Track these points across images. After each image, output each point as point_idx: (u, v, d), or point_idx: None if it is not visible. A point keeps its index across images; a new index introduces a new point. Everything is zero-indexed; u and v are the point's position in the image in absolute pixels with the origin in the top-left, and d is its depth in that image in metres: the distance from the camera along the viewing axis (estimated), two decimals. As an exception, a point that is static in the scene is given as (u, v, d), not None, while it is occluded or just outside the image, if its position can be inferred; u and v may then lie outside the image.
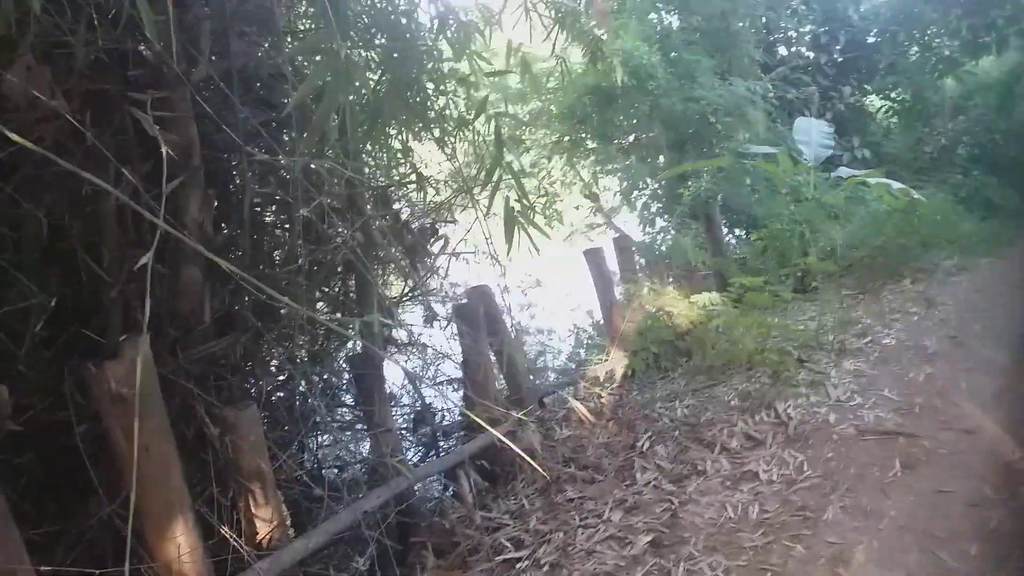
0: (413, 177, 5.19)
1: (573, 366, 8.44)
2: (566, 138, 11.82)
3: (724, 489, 4.33)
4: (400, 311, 5.53)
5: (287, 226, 4.21)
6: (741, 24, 12.60)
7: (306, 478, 3.80)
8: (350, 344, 4.69)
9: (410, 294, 5.31)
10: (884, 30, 14.35)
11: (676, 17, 12.90)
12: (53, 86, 2.85)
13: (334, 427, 4.79)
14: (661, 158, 12.42)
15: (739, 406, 5.40)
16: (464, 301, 5.55)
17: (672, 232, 11.27)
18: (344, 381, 4.99)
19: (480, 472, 4.95)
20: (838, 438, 4.60)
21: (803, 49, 14.70)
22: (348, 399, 5.10)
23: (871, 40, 14.55)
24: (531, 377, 6.16)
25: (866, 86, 14.65)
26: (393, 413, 5.30)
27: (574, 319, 10.24)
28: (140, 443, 2.94)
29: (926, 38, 14.14)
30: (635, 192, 12.96)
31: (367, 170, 4.75)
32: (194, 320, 3.77)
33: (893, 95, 14.89)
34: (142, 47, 3.43)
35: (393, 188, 5.05)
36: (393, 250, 4.80)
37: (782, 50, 14.68)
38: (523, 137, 13.29)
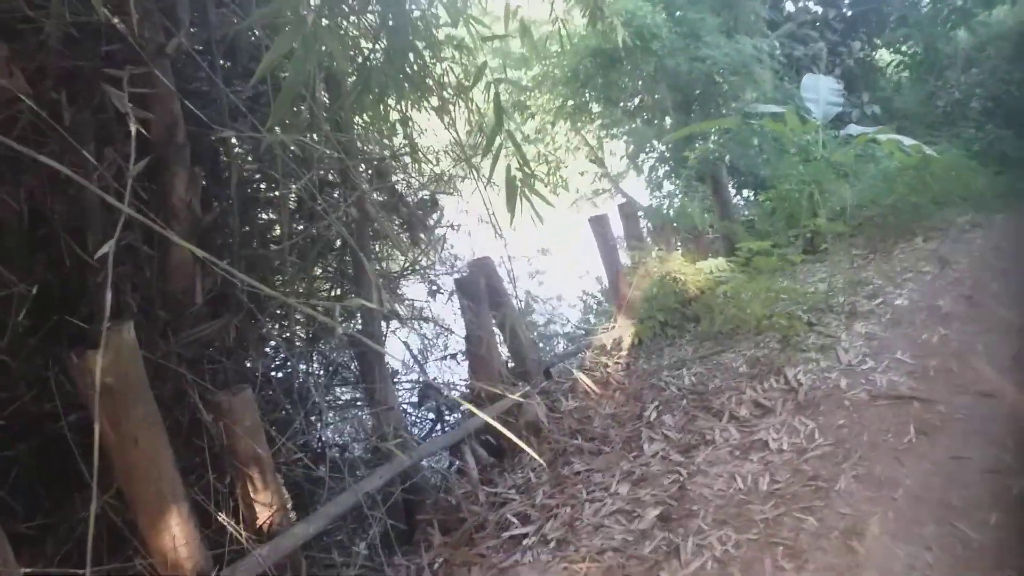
0: (409, 148, 5.06)
1: (582, 333, 8.34)
2: (570, 102, 11.61)
3: (733, 459, 4.24)
4: (402, 285, 5.42)
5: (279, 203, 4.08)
6: (746, -21, 12.31)
7: (307, 460, 3.71)
8: (350, 322, 4.59)
9: (410, 268, 5.19)
10: (894, -19, 14.00)
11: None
12: (11, 65, 2.72)
13: (335, 406, 4.70)
14: (668, 120, 12.25)
15: (748, 373, 5.29)
16: (466, 274, 5.44)
17: (679, 196, 11.11)
18: (346, 358, 4.89)
19: (486, 446, 4.88)
20: (850, 404, 4.49)
21: (810, 4, 14.37)
22: (350, 376, 5.00)
23: (881, -8, 14.20)
24: (538, 347, 6.05)
25: (876, 40, 14.30)
26: (397, 388, 5.23)
27: (582, 286, 10.12)
28: (128, 434, 2.86)
29: (938, -12, 13.77)
30: (641, 155, 12.79)
31: (362, 143, 4.61)
32: (186, 301, 3.68)
33: (904, 48, 14.52)
34: (116, 20, 3.29)
35: (389, 160, 4.91)
36: (390, 223, 4.68)
37: (789, 6, 14.34)
38: (527, 103, 13.10)
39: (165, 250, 3.69)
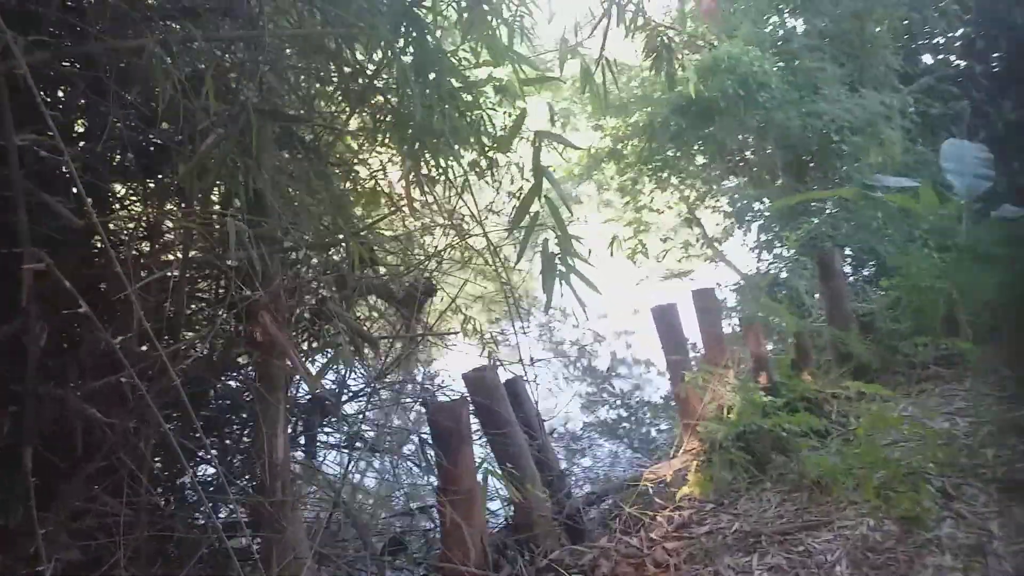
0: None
1: (633, 459, 6.75)
2: (657, 158, 10.15)
3: None
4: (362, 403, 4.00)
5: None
6: (878, 28, 10.73)
7: None
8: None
9: (367, 390, 3.75)
10: (1058, 32, 11.93)
11: (801, 20, 11.18)
12: None
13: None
14: (779, 181, 10.71)
15: (847, 578, 3.60)
16: (441, 407, 3.94)
17: (783, 275, 9.41)
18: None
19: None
20: None
21: (953, 57, 12.49)
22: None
23: (1040, 45, 12.14)
24: (554, 491, 4.53)
25: (1031, 100, 12.25)
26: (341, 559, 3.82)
27: (648, 389, 8.64)
28: None
29: (1112, 41, 11.65)
30: (748, 215, 11.19)
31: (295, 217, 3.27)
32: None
33: (1067, 111, 12.40)
34: None
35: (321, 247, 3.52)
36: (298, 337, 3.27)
37: (927, 58, 12.52)
38: (623, 151, 11.65)
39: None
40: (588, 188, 13.69)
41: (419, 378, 4.46)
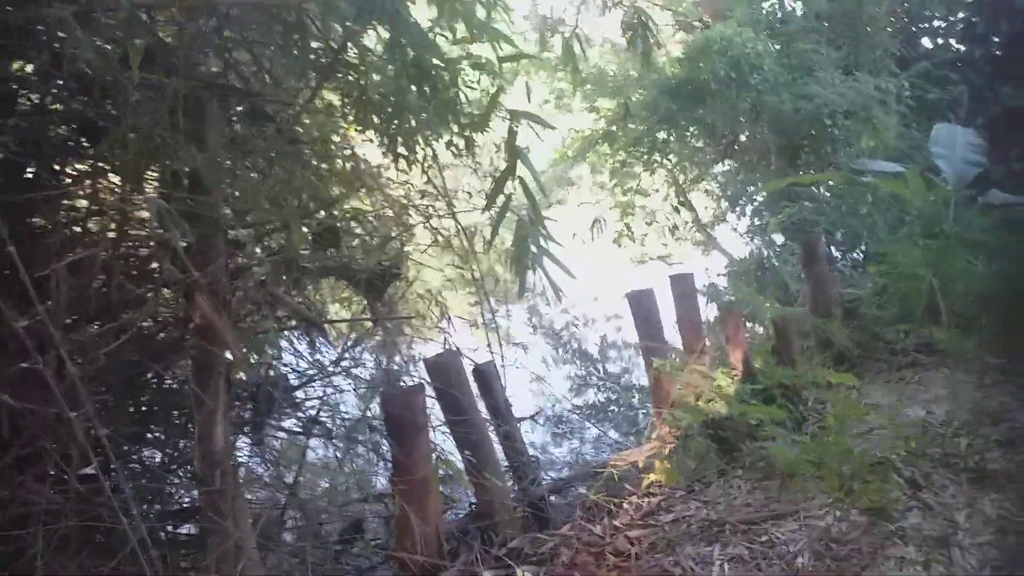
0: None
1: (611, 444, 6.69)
2: (646, 140, 10.00)
3: None
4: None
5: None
6: (877, 10, 10.56)
7: None
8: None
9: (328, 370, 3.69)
10: (1060, 17, 11.71)
11: (799, 2, 10.99)
12: None
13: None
14: (772, 165, 10.57)
15: (810, 571, 3.53)
16: (395, 395, 3.82)
17: (771, 260, 9.30)
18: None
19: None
20: None
21: (953, 41, 12.29)
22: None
23: (1042, 31, 11.92)
24: (520, 478, 4.47)
25: (1032, 86, 12.04)
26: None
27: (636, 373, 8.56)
28: None
29: (1116, 26, 11.43)
30: (741, 200, 11.08)
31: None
32: None
33: (1067, 95, 12.18)
34: None
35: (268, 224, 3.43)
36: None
37: (926, 42, 12.32)
38: (618, 132, 11.52)
39: None
40: (583, 170, 13.61)
41: (383, 363, 4.38)
